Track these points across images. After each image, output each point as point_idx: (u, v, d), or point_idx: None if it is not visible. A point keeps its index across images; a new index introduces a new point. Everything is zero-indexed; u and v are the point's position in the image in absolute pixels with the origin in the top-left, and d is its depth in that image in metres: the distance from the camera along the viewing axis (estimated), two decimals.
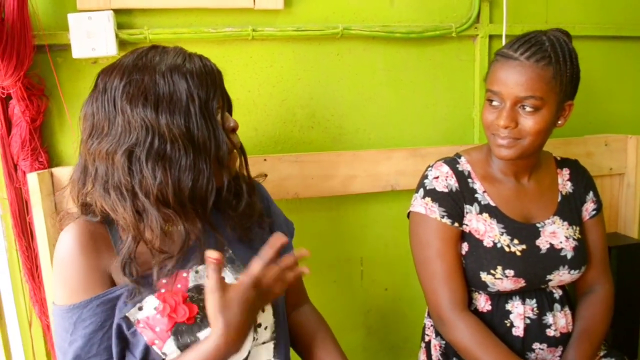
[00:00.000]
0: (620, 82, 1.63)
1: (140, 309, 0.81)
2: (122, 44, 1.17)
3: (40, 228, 1.13)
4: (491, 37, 1.44)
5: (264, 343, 0.90)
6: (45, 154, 1.18)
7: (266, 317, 0.90)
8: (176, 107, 0.79)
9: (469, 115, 1.49)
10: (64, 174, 1.17)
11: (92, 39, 1.11)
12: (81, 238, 0.82)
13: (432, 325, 1.19)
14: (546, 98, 0.99)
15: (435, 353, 1.17)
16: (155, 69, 0.80)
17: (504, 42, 1.41)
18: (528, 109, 1.00)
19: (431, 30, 1.38)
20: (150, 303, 0.81)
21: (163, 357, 0.81)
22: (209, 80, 0.82)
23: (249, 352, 0.87)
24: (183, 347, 0.80)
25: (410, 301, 1.52)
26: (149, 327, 0.80)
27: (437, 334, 1.17)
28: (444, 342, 1.15)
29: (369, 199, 1.43)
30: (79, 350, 0.81)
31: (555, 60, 0.99)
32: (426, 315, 1.23)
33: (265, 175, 1.05)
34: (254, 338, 0.87)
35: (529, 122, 1.00)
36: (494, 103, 1.03)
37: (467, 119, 1.49)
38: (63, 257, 0.82)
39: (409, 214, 1.16)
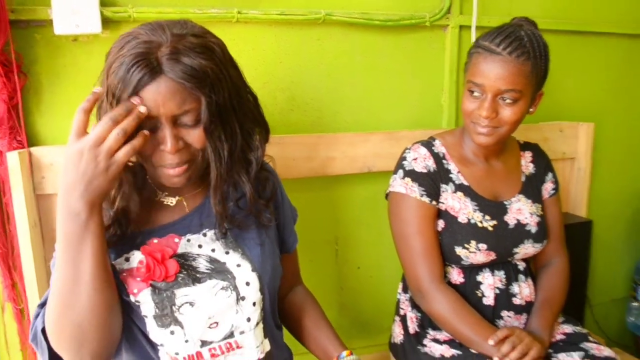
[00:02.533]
0: (574, 74, 1.72)
1: (127, 259, 0.85)
2: (105, 21, 1.14)
3: (20, 209, 1.10)
4: (461, 27, 1.50)
5: (257, 325, 0.91)
6: (23, 133, 1.14)
7: (251, 291, 0.89)
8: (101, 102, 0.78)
9: (438, 101, 1.55)
10: (43, 154, 1.13)
11: (76, 15, 1.08)
12: None
13: (407, 300, 1.25)
14: (524, 90, 1.07)
15: (412, 325, 1.23)
16: (122, 53, 0.75)
17: (473, 32, 1.48)
18: (508, 100, 1.07)
19: (407, 18, 1.42)
20: (137, 256, 0.84)
21: (137, 304, 0.84)
22: (136, 68, 0.73)
23: (243, 333, 0.89)
24: (159, 302, 0.83)
25: (381, 279, 1.57)
26: (132, 277, 0.84)
27: (414, 307, 1.23)
28: (420, 314, 1.22)
29: (347, 180, 1.47)
30: None
31: (533, 55, 1.06)
32: (400, 290, 1.29)
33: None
34: (236, 310, 0.88)
35: (507, 113, 1.08)
36: (475, 94, 1.10)
37: (436, 105, 1.55)
38: None
39: (387, 195, 1.22)
